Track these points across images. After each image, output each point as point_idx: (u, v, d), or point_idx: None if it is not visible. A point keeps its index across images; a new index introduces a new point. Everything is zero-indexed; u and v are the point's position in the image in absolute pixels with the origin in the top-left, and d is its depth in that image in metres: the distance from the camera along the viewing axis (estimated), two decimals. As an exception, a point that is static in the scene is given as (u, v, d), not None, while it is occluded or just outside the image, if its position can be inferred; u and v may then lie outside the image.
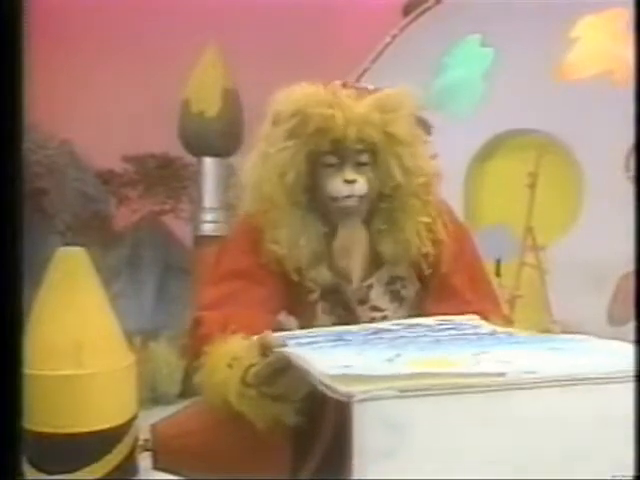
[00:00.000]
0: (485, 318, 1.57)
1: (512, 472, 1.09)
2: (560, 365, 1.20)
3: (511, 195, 3.55)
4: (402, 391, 1.06)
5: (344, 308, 1.82)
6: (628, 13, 3.07)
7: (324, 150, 1.73)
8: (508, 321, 1.75)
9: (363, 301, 1.83)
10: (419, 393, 1.07)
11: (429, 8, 3.90)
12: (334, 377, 1.12)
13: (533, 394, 1.11)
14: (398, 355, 1.25)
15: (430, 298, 1.83)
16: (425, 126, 1.86)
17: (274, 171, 1.74)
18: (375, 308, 1.83)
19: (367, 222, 1.79)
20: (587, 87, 3.38)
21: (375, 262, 1.82)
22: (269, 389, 1.43)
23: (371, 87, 1.83)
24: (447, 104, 3.60)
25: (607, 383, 1.13)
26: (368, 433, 1.05)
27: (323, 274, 1.79)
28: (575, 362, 1.22)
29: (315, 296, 1.82)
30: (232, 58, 3.91)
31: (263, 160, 1.76)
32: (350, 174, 1.73)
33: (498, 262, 3.17)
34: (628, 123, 2.38)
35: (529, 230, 3.41)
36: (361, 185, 1.73)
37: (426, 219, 1.78)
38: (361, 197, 1.74)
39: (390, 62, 3.77)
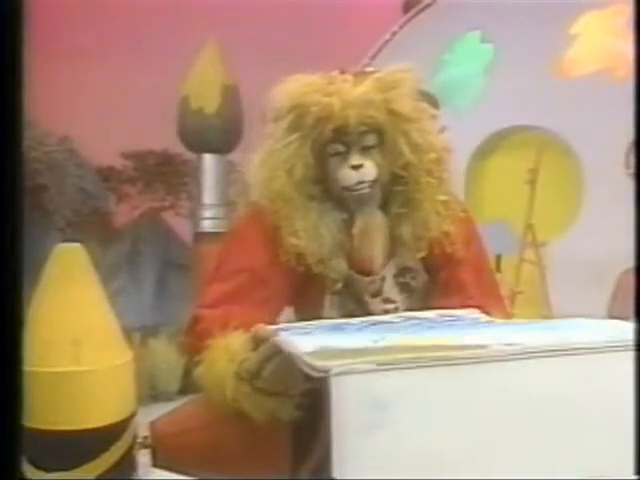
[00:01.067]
0: (487, 313, 1.55)
1: (494, 445, 1.08)
2: (545, 338, 1.19)
3: (511, 192, 3.55)
4: (380, 364, 1.05)
5: (355, 301, 1.81)
6: (628, 10, 3.07)
7: (328, 139, 1.71)
8: (509, 317, 1.75)
9: (376, 293, 1.81)
10: (397, 366, 1.06)
11: (429, 5, 3.90)
12: (312, 353, 1.12)
13: (516, 365, 1.09)
14: (384, 337, 1.24)
15: (438, 292, 1.82)
16: (430, 100, 1.83)
17: (282, 167, 1.72)
18: (387, 300, 1.82)
19: (384, 208, 1.77)
20: (587, 84, 3.38)
21: (388, 252, 1.80)
22: (261, 382, 1.43)
23: (370, 69, 1.81)
24: (447, 100, 3.59)
25: (592, 353, 1.12)
26: (346, 407, 1.04)
27: (341, 266, 1.78)
28: (562, 336, 1.21)
29: (328, 289, 1.79)
30: (231, 54, 3.90)
31: (270, 157, 1.74)
32: (356, 159, 1.71)
33: (498, 258, 3.16)
34: (628, 120, 2.37)
35: (529, 227, 3.40)
36: (369, 169, 1.71)
37: (443, 197, 1.76)
38: (373, 182, 1.72)
39: (390, 59, 3.74)
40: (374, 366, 1.05)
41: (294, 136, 1.72)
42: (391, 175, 1.75)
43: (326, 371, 1.04)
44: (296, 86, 1.72)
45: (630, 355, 1.12)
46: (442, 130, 1.83)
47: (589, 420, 1.11)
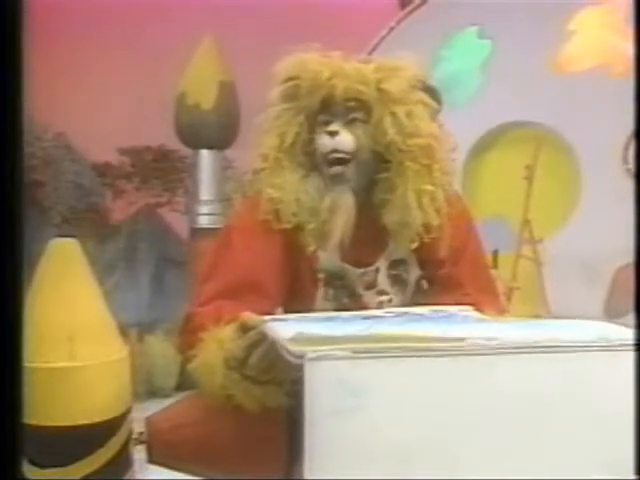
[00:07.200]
0: (482, 310, 1.55)
1: (465, 436, 1.09)
2: (527, 335, 1.19)
3: (508, 187, 3.54)
4: (355, 352, 1.06)
5: (349, 294, 1.81)
6: (626, 6, 3.07)
7: (317, 109, 1.74)
8: (504, 314, 1.74)
9: (370, 285, 1.81)
10: (373, 355, 1.06)
11: (426, 1, 3.89)
12: (291, 338, 1.13)
13: (492, 359, 1.10)
14: (369, 328, 1.25)
15: (435, 288, 1.82)
16: (433, 94, 1.80)
17: (275, 132, 1.76)
18: (382, 292, 1.82)
19: (369, 195, 1.76)
20: (585, 80, 3.38)
21: (380, 244, 1.80)
22: (248, 369, 1.44)
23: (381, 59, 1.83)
24: (444, 96, 3.58)
25: (570, 352, 1.13)
26: (320, 393, 1.05)
27: (331, 257, 1.77)
28: (544, 334, 1.21)
29: (319, 282, 1.79)
30: (228, 50, 3.89)
31: (266, 123, 1.80)
32: (334, 126, 1.72)
33: (495, 254, 3.16)
34: (626, 116, 2.37)
35: (526, 223, 3.40)
36: (345, 138, 1.72)
37: (428, 187, 1.73)
38: (350, 157, 1.72)
39: (387, 54, 3.74)
40: (349, 353, 1.06)
41: (288, 105, 1.76)
42: (374, 156, 1.75)
43: (301, 356, 1.05)
44: (294, 59, 1.76)
45: (609, 356, 1.13)
46: (440, 125, 1.81)
47: (563, 417, 1.12)
